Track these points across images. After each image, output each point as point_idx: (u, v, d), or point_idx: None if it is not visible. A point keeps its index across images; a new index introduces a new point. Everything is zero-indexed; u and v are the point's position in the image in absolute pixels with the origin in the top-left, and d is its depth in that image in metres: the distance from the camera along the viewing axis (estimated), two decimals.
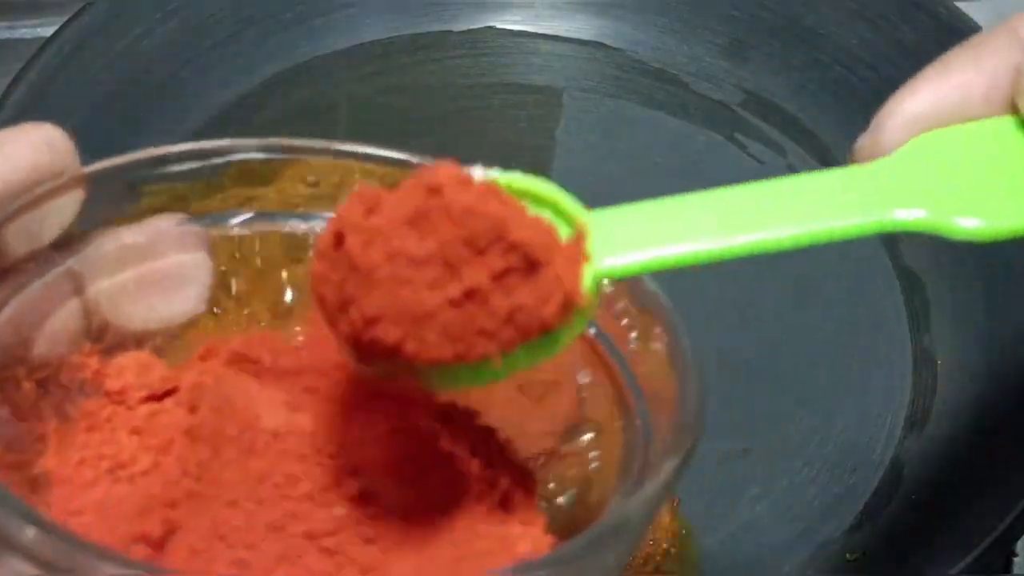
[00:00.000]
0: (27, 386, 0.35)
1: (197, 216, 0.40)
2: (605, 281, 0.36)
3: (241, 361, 0.37)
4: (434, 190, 0.32)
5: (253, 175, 0.64)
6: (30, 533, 0.28)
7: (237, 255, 0.40)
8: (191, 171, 0.42)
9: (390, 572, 0.33)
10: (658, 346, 0.39)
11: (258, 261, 0.52)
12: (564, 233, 0.34)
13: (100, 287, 0.37)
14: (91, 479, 0.33)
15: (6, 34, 0.75)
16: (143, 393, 0.36)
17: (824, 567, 0.56)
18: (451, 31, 0.72)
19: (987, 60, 0.37)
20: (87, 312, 0.37)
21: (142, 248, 0.38)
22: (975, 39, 0.38)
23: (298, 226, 0.43)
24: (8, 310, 0.34)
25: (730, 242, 0.37)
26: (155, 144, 0.66)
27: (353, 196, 0.33)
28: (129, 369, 0.36)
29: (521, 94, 0.71)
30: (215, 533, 0.32)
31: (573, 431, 0.43)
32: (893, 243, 0.65)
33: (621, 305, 0.40)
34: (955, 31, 0.64)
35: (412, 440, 0.35)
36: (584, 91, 0.70)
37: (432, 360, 0.32)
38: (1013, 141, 0.37)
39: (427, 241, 0.32)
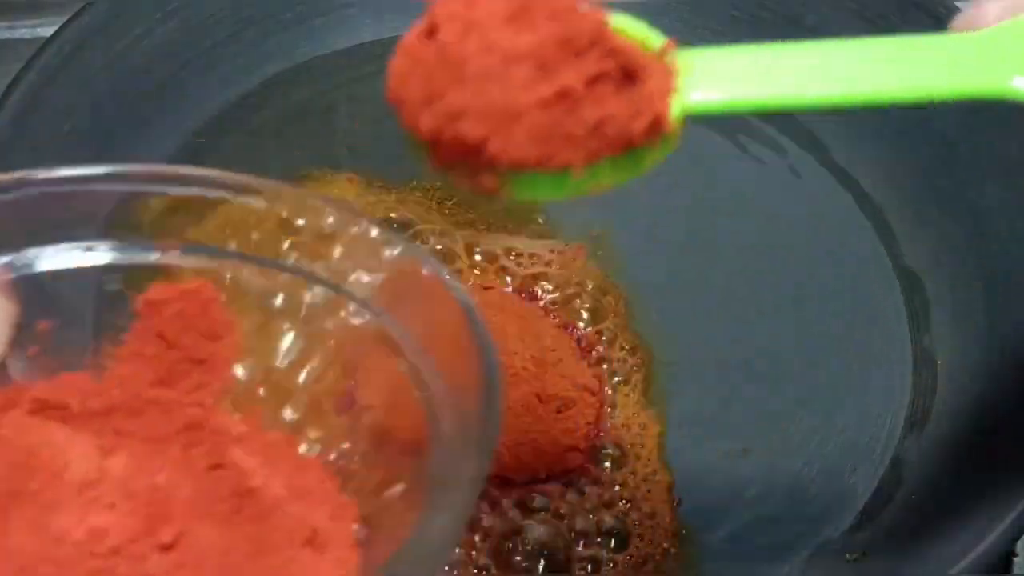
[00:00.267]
0: None
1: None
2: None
3: (46, 408, 0.35)
4: None
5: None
6: None
7: None
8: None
9: None
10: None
11: None
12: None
13: None
14: None
15: (6, 34, 0.75)
16: None
17: (824, 567, 0.56)
18: None
19: None
20: None
21: None
22: None
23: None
24: None
25: (820, 91, 0.35)
26: (155, 144, 0.67)
27: None
28: None
29: None
30: None
31: None
32: (893, 243, 0.65)
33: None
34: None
35: (227, 478, 0.35)
36: None
37: (514, 163, 0.31)
38: None
39: (524, 37, 0.31)
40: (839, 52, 0.36)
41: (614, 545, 0.56)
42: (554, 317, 0.62)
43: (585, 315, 0.62)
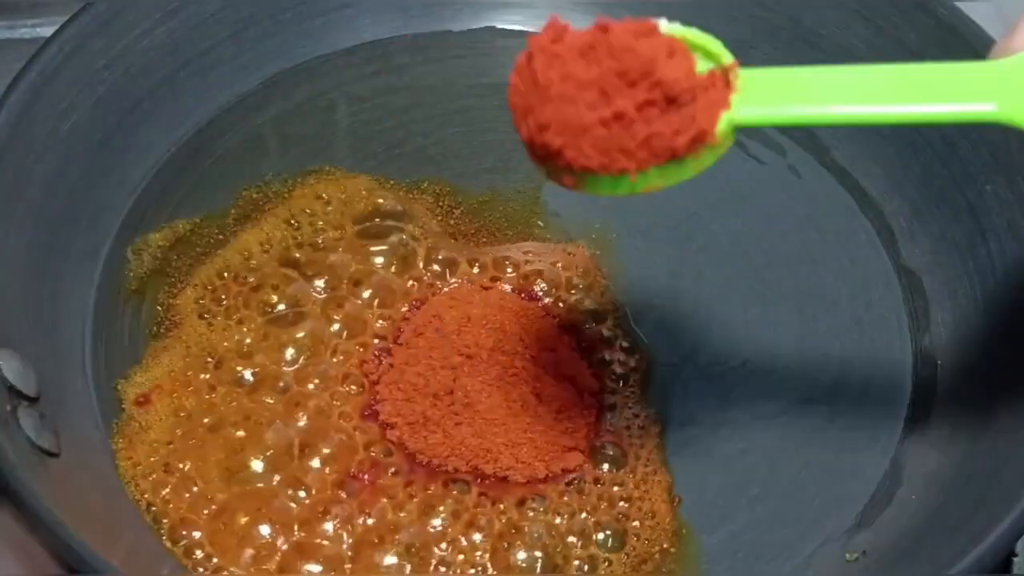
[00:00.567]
0: None
1: None
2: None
3: None
4: (604, 29, 0.41)
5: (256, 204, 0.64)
6: None
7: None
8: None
9: None
10: None
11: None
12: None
13: None
14: None
15: (6, 34, 0.75)
16: None
17: (824, 567, 0.56)
18: (451, 31, 0.72)
19: None
20: None
21: None
22: None
23: None
24: None
25: (852, 112, 0.44)
26: (155, 144, 0.67)
27: (547, 25, 0.42)
28: None
29: None
30: None
31: None
32: (893, 243, 0.65)
33: None
34: (955, 31, 0.64)
35: None
36: None
37: (582, 167, 0.41)
38: None
39: (591, 69, 0.41)
40: (875, 76, 0.44)
41: (613, 545, 0.56)
42: (554, 317, 0.62)
43: (585, 315, 0.62)
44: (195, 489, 0.56)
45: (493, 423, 0.58)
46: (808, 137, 0.69)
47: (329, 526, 0.56)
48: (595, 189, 0.43)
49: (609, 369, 0.61)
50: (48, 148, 0.61)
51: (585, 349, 0.61)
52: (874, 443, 0.59)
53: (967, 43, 0.62)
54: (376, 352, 0.60)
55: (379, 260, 0.63)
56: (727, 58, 0.44)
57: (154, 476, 0.56)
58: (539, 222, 0.65)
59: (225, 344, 0.60)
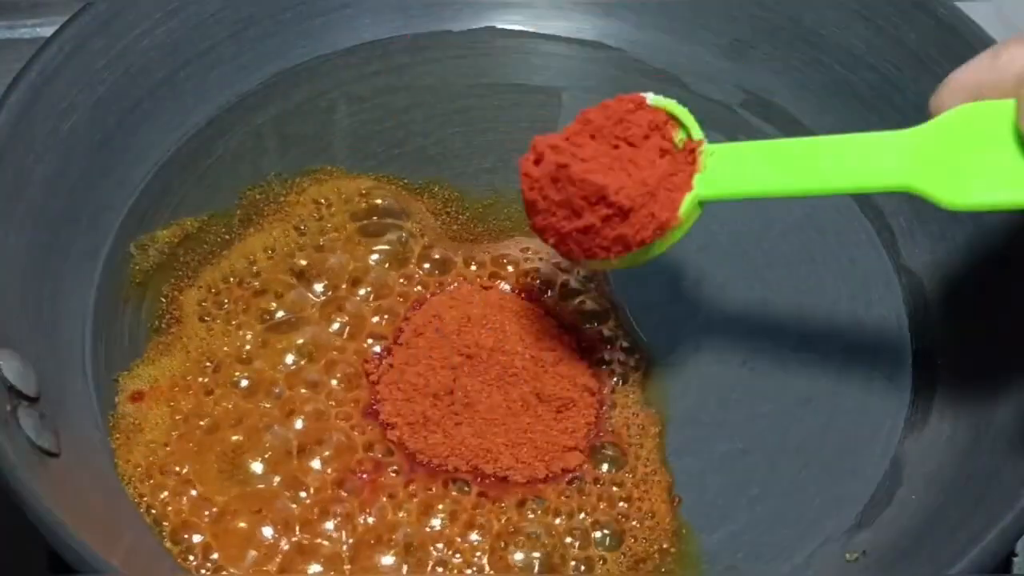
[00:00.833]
0: None
1: None
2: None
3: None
4: (563, 166, 0.52)
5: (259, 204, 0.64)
6: None
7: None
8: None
9: None
10: None
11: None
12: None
13: None
14: None
15: (6, 34, 0.75)
16: None
17: (824, 567, 0.56)
18: (451, 31, 0.72)
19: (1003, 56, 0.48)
20: None
21: None
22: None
23: None
24: None
25: (795, 187, 0.52)
26: (155, 144, 0.67)
27: (532, 148, 0.54)
28: None
29: (521, 94, 0.71)
30: None
31: None
32: (893, 243, 0.65)
33: None
34: (955, 31, 0.64)
35: None
36: (584, 91, 0.70)
37: (574, 257, 0.54)
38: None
39: (561, 193, 0.52)
40: (822, 149, 0.52)
41: (613, 545, 0.56)
42: (554, 317, 0.62)
43: (585, 315, 0.62)
44: (194, 492, 0.56)
45: (493, 423, 0.58)
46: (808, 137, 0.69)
47: (330, 524, 0.55)
48: (590, 267, 0.59)
49: (609, 369, 0.61)
50: (48, 148, 0.61)
51: (585, 349, 0.61)
52: (874, 443, 0.59)
53: (967, 43, 0.62)
54: (376, 352, 0.60)
55: (378, 258, 0.63)
56: (697, 134, 0.53)
57: (153, 480, 0.56)
58: None
59: (225, 349, 0.60)
